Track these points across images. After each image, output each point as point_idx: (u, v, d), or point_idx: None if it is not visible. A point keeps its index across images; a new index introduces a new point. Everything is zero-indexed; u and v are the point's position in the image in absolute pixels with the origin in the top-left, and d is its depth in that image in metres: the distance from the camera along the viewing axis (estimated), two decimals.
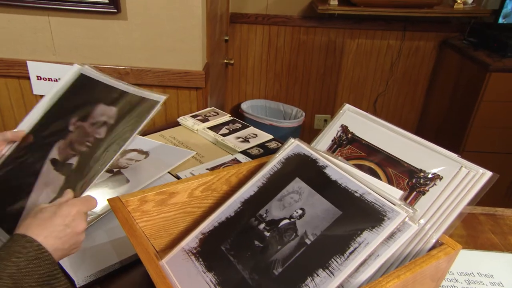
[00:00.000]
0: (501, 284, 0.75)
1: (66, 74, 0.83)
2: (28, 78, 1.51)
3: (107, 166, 0.67)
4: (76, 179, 0.68)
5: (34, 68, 1.49)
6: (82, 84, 0.82)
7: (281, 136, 1.27)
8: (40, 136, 0.77)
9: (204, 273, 0.61)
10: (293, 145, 0.73)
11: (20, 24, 1.43)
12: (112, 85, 0.78)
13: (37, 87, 1.53)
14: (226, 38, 2.26)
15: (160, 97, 0.73)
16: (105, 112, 0.75)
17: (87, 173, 0.68)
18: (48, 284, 0.50)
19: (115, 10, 1.37)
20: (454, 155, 0.64)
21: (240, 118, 1.40)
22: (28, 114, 0.79)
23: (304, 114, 2.56)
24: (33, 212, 0.57)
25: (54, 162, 0.72)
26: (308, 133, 2.78)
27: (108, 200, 0.64)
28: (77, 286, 0.68)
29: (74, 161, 0.71)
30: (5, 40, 1.45)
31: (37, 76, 1.50)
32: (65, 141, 0.74)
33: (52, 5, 1.37)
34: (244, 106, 2.60)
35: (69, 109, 0.79)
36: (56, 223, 0.55)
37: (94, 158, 0.69)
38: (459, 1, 2.22)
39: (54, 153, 0.73)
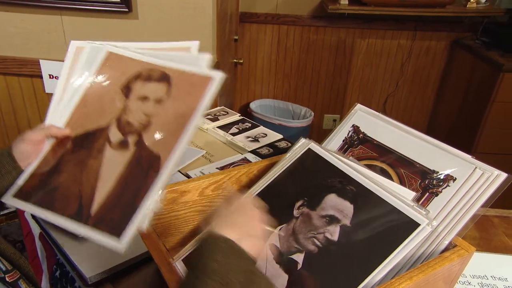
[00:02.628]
0: None
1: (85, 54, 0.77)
2: (41, 77, 1.53)
3: None
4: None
5: (47, 67, 1.51)
6: (309, 158, 0.70)
7: (290, 136, 1.27)
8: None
9: None
10: (304, 145, 0.72)
11: (33, 23, 1.45)
12: (347, 172, 0.64)
13: (50, 86, 1.55)
14: (236, 37, 2.26)
15: (423, 220, 0.54)
16: (337, 205, 0.61)
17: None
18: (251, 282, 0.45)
19: (127, 10, 1.38)
20: (468, 156, 0.64)
21: (248, 117, 1.40)
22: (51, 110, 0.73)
23: (313, 114, 2.55)
24: (213, 213, 0.53)
25: (275, 250, 0.61)
26: (316, 133, 2.77)
27: None
28: (89, 283, 0.68)
29: (299, 259, 0.58)
30: (18, 39, 1.48)
31: (49, 75, 1.52)
32: (288, 227, 0.62)
33: (65, 4, 1.39)
34: (253, 105, 2.60)
35: (293, 187, 0.67)
36: (237, 215, 0.52)
37: (324, 264, 0.55)
38: (472, 0, 2.19)
39: (275, 239, 0.62)
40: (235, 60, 2.34)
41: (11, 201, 0.67)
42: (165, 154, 0.63)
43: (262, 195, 0.68)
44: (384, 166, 0.70)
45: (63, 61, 1.62)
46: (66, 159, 0.68)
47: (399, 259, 0.54)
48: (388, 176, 0.68)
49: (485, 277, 0.76)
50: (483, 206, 0.59)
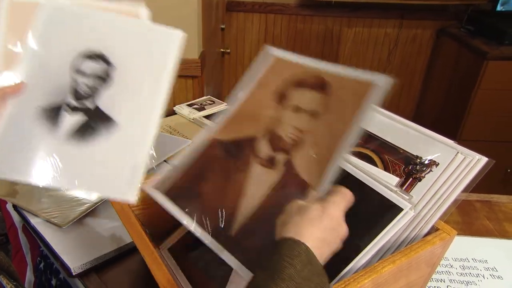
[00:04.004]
0: (495, 269, 0.76)
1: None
2: None
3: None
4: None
5: None
6: None
7: None
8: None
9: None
10: None
11: None
12: None
13: None
14: (223, 26, 2.23)
15: (407, 205, 0.55)
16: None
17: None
18: None
19: None
20: (450, 141, 0.64)
21: None
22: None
23: None
24: (295, 209, 0.49)
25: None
26: None
27: None
28: (73, 274, 0.68)
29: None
30: None
31: None
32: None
33: None
34: None
35: None
36: (324, 225, 0.46)
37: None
38: None
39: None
40: (222, 50, 2.31)
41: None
42: (315, 183, 0.55)
43: None
44: (369, 152, 0.71)
45: None
46: (213, 167, 0.62)
47: (382, 243, 0.54)
48: (373, 162, 0.69)
49: (466, 259, 0.78)
50: (465, 190, 0.59)
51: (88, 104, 0.63)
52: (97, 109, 0.63)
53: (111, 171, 0.62)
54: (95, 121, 0.63)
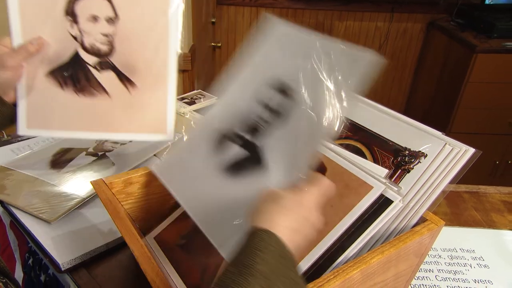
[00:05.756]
0: (481, 259, 0.78)
1: None
2: None
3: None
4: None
5: None
6: None
7: None
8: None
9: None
10: None
11: None
12: None
13: None
14: (213, 20, 2.22)
15: (396, 197, 0.55)
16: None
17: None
18: None
19: None
20: (438, 133, 0.65)
21: None
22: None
23: None
24: (268, 196, 0.46)
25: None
26: None
27: (91, 182, 0.63)
28: (62, 269, 0.67)
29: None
30: None
31: None
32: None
33: None
34: None
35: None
36: (297, 215, 0.44)
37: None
38: None
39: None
40: (213, 44, 2.30)
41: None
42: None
43: None
44: (358, 144, 0.71)
45: None
46: None
47: (372, 234, 0.55)
48: (362, 154, 0.69)
49: (454, 250, 0.79)
50: (453, 181, 0.60)
51: (256, 141, 0.58)
52: (261, 149, 0.57)
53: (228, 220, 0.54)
54: (252, 161, 0.57)
